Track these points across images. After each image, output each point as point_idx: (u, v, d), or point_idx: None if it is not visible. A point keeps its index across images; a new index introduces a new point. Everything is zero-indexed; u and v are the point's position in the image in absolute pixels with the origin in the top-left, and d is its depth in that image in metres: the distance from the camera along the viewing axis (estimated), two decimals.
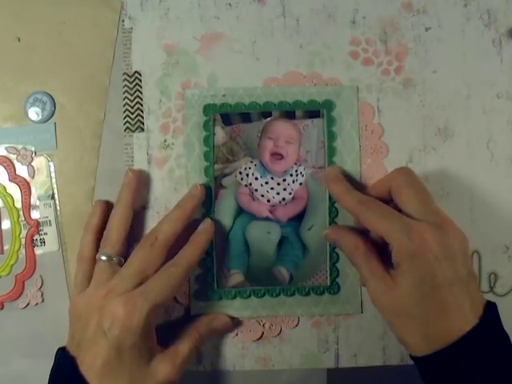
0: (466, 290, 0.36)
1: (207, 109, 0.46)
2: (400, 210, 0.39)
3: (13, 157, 0.47)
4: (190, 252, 0.41)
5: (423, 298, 0.35)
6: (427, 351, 0.36)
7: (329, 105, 0.45)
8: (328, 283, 0.45)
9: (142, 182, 0.45)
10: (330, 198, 0.45)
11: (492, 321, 0.36)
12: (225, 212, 0.46)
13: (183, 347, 0.40)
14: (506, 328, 0.37)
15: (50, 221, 0.47)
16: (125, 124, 0.47)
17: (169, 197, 0.46)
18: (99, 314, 0.38)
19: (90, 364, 0.37)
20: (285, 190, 0.46)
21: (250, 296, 0.46)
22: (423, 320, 0.36)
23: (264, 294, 0.45)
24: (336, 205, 0.45)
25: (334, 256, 0.45)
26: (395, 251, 0.37)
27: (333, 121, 0.45)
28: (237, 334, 0.46)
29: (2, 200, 0.47)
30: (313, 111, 0.46)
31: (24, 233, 0.47)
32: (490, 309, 0.37)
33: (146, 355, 0.38)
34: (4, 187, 0.47)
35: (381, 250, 0.40)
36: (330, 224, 0.45)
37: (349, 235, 0.41)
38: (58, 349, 0.41)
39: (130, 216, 0.44)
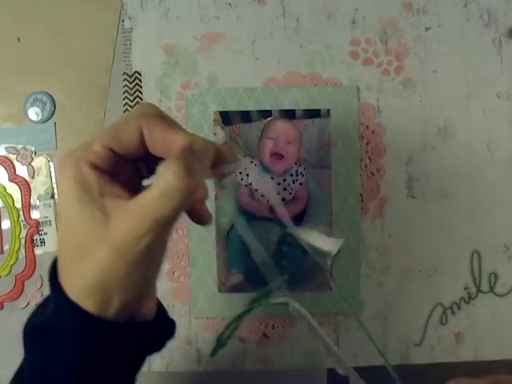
0: None
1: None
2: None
3: (13, 157, 0.47)
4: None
5: None
6: None
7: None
8: (327, 283, 0.45)
9: None
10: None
11: None
12: (225, 212, 0.46)
13: (158, 185, 0.26)
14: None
15: (49, 221, 0.47)
16: None
17: None
18: None
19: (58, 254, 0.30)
20: (285, 189, 0.46)
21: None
22: None
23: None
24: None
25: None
26: None
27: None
28: (237, 334, 0.46)
29: (2, 200, 0.47)
30: (313, 111, 0.46)
31: (24, 233, 0.47)
32: None
33: (100, 212, 0.27)
34: (4, 187, 0.47)
35: None
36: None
37: None
38: None
39: None
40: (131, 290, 0.28)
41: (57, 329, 0.29)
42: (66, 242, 0.29)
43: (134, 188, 0.30)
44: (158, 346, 0.32)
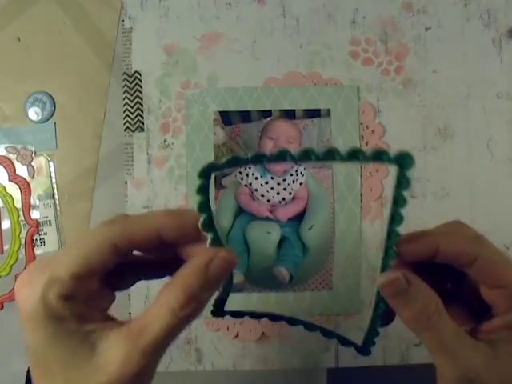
0: None
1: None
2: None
3: (13, 157, 0.47)
4: None
5: None
6: None
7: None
8: (328, 283, 0.45)
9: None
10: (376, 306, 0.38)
11: None
12: (225, 212, 0.46)
13: (153, 316, 0.25)
14: None
15: (50, 221, 0.47)
16: (125, 124, 0.47)
17: (168, 196, 0.46)
18: None
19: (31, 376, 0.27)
20: (285, 189, 0.46)
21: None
22: None
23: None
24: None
25: (378, 320, 0.44)
26: None
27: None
28: (237, 334, 0.46)
29: (2, 200, 0.47)
30: (313, 111, 0.46)
31: (24, 233, 0.47)
32: None
33: (83, 343, 0.25)
34: (4, 187, 0.47)
35: None
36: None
37: (426, 288, 0.28)
38: None
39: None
40: None
41: None
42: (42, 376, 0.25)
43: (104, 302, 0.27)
44: None
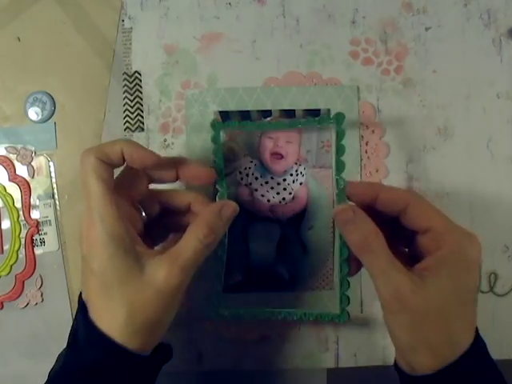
0: (475, 303, 0.35)
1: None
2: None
3: (13, 157, 0.47)
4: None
5: (458, 304, 0.33)
6: (436, 364, 0.33)
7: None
8: (328, 283, 0.45)
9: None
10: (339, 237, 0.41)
11: (480, 337, 0.35)
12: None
13: (185, 244, 0.34)
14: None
15: (49, 221, 0.47)
16: (125, 124, 0.47)
17: None
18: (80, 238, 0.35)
19: (86, 298, 0.34)
20: (285, 189, 0.46)
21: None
22: (452, 325, 0.33)
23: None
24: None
25: (345, 283, 0.44)
26: (445, 254, 0.33)
27: (340, 134, 0.45)
28: (237, 334, 0.46)
29: (2, 200, 0.47)
30: (313, 111, 0.46)
31: (24, 232, 0.47)
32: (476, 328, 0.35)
33: (134, 264, 0.33)
34: (4, 187, 0.47)
35: None
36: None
37: (368, 220, 0.35)
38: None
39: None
40: (166, 326, 0.35)
41: (109, 371, 0.33)
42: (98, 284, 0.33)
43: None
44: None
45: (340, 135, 0.40)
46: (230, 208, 0.37)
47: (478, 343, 0.34)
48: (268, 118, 0.46)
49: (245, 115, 0.46)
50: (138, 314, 0.32)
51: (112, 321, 0.32)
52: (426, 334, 0.33)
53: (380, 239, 0.34)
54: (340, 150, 0.39)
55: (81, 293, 0.36)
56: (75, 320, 0.35)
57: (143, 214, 0.38)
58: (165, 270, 0.33)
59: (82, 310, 0.34)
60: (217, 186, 0.41)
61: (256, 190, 0.46)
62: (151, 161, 0.35)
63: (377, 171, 0.46)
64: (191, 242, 0.34)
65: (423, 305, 0.32)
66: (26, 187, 0.47)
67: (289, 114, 0.46)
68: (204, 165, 0.40)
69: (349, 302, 0.41)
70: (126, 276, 0.32)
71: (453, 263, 0.33)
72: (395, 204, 0.36)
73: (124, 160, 0.35)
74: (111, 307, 0.32)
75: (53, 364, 0.39)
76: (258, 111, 0.46)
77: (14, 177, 0.47)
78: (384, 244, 0.34)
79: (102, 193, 0.33)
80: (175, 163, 0.38)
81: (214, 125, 0.41)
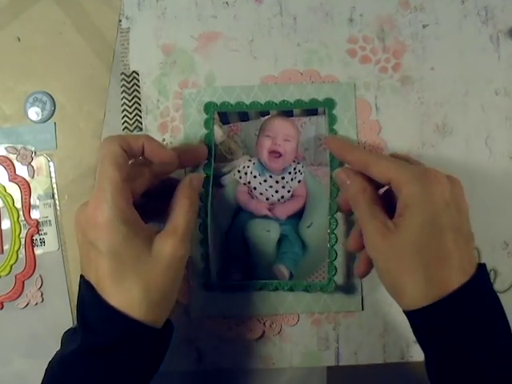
0: (466, 243, 0.36)
1: (205, 107, 0.46)
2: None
3: (13, 157, 0.47)
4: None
5: (428, 242, 0.35)
6: (425, 301, 0.34)
7: (327, 103, 0.45)
8: (328, 280, 0.45)
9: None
10: (330, 193, 0.45)
11: (485, 277, 0.37)
12: (223, 210, 0.46)
13: (177, 218, 0.38)
14: None
15: (49, 221, 0.47)
16: (123, 124, 0.47)
17: None
18: (78, 226, 0.37)
19: (96, 281, 0.36)
20: (283, 187, 0.46)
21: (249, 295, 0.45)
22: (426, 265, 0.35)
23: (264, 293, 0.45)
24: (336, 201, 0.45)
25: (333, 253, 0.45)
26: (404, 195, 0.36)
27: (331, 118, 0.45)
28: (237, 333, 0.46)
29: (2, 200, 0.47)
30: (311, 109, 0.46)
31: (24, 233, 0.47)
32: (482, 267, 0.37)
33: (143, 244, 0.36)
34: (4, 187, 0.47)
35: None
36: (330, 220, 0.45)
37: (359, 177, 0.40)
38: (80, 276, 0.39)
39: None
40: (175, 298, 0.38)
41: (129, 346, 0.35)
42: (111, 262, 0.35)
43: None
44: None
45: (331, 120, 0.43)
46: (197, 178, 0.42)
47: (477, 281, 0.35)
48: (266, 117, 0.46)
49: (243, 114, 0.46)
50: (153, 288, 0.35)
51: (128, 299, 0.35)
52: (397, 277, 0.36)
53: (366, 194, 0.39)
54: (331, 132, 0.44)
55: (82, 278, 0.37)
56: (82, 303, 0.37)
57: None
58: (169, 244, 0.36)
59: (90, 292, 0.36)
60: (205, 171, 0.45)
61: (255, 188, 0.46)
62: (168, 158, 0.40)
63: None
64: (181, 216, 0.38)
65: (393, 247, 0.36)
66: (25, 187, 0.47)
67: (287, 114, 0.46)
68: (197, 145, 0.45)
69: (336, 272, 0.45)
70: (138, 255, 0.35)
71: (412, 203, 0.36)
72: (360, 165, 0.40)
73: (142, 153, 0.39)
74: (127, 286, 0.35)
75: None
76: (256, 112, 0.46)
77: (13, 177, 0.47)
78: (369, 198, 0.39)
79: (117, 179, 0.35)
80: (179, 156, 0.41)
81: (206, 107, 0.45)
